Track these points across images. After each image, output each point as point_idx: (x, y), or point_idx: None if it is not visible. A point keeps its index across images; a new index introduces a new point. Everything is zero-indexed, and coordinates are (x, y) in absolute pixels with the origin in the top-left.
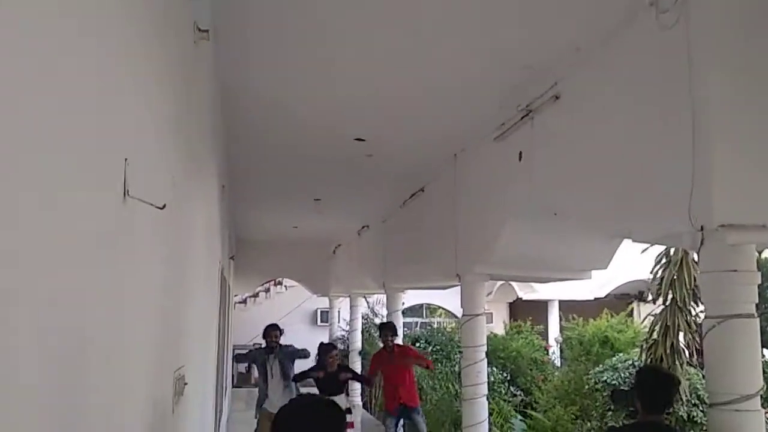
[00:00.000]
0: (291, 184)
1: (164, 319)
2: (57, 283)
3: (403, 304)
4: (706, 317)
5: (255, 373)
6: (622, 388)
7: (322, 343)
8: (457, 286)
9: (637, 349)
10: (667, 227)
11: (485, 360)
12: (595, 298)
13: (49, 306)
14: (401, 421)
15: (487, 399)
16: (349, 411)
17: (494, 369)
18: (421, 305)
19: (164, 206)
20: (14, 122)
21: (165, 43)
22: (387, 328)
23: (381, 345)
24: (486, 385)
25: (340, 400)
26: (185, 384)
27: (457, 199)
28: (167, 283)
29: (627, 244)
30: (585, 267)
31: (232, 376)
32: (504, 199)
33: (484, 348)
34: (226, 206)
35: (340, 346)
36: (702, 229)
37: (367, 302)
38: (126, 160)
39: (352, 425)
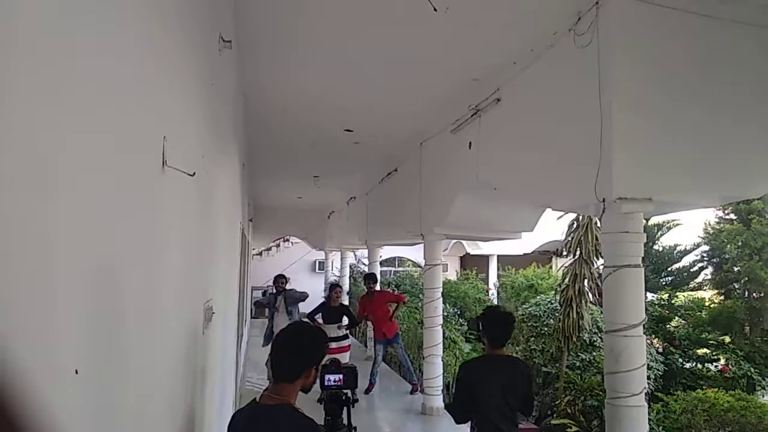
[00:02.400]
0: (296, 164)
1: (196, 262)
2: (113, 233)
3: (381, 256)
4: (604, 267)
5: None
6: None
7: (331, 282)
8: (420, 243)
9: (553, 292)
10: (579, 199)
11: (440, 299)
12: (524, 254)
13: (106, 247)
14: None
15: (442, 327)
16: (346, 336)
17: (447, 306)
18: (395, 258)
19: (194, 174)
20: (85, 115)
21: (196, 49)
22: (369, 278)
23: (365, 290)
24: (441, 317)
25: (336, 329)
26: (213, 313)
27: (421, 178)
28: (198, 235)
29: (548, 212)
30: (516, 229)
31: (251, 309)
32: (457, 178)
33: (440, 290)
34: (245, 179)
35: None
36: (604, 201)
37: (355, 255)
38: (165, 137)
39: (348, 348)
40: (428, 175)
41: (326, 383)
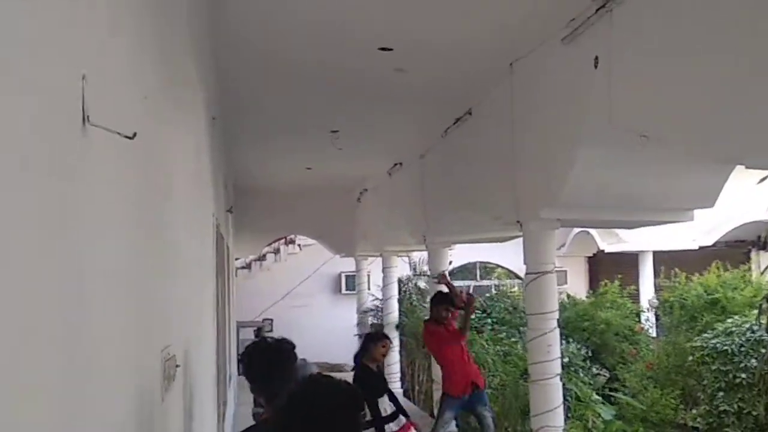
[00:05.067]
0: (301, 114)
1: (142, 284)
2: None
3: (451, 263)
4: None
5: None
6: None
7: (373, 332)
8: (518, 237)
9: (756, 311)
10: None
11: (557, 330)
12: (700, 247)
13: None
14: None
15: (562, 379)
16: (404, 413)
17: (571, 343)
18: (474, 264)
19: (134, 135)
20: None
21: None
22: (441, 301)
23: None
24: (559, 362)
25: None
26: (177, 366)
27: (515, 124)
28: (144, 239)
29: (739, 173)
30: (685, 205)
31: (239, 360)
32: (577, 121)
33: (556, 314)
34: (218, 144)
35: (371, 320)
36: None
37: (410, 261)
38: (84, 76)
39: (413, 426)
40: (526, 119)
41: None
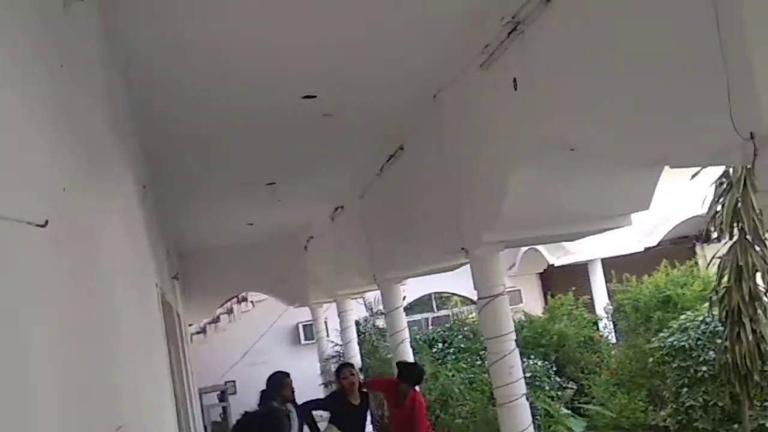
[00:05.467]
0: (235, 172)
1: (82, 368)
2: None
3: (404, 298)
4: None
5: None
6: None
7: (340, 364)
8: (467, 263)
9: (707, 304)
10: (709, 142)
11: (516, 351)
12: (647, 249)
13: None
14: None
15: (529, 398)
16: None
17: (532, 360)
18: (429, 296)
19: (47, 223)
20: None
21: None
22: (405, 372)
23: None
24: (523, 383)
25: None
26: None
27: (448, 153)
28: (78, 324)
29: (671, 174)
30: (622, 211)
31: (204, 427)
32: (505, 143)
33: (513, 335)
34: (154, 214)
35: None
36: (752, 137)
37: (365, 302)
38: None
39: None
40: (457, 147)
41: None
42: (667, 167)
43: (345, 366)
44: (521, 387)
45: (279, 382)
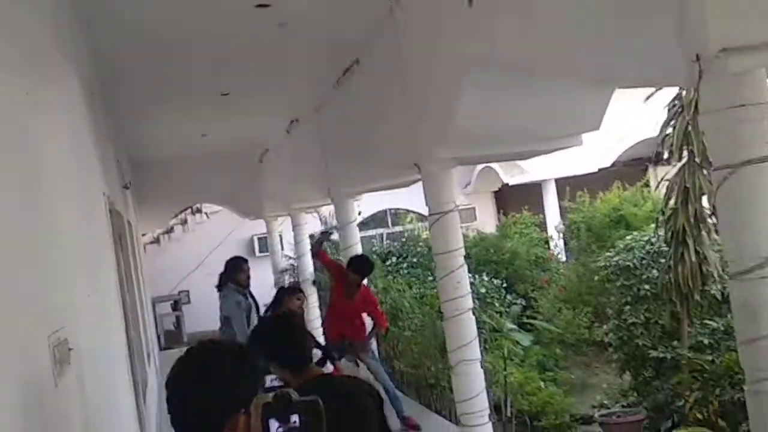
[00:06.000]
0: (188, 80)
1: (14, 276)
2: None
3: (359, 213)
4: (713, 170)
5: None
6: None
7: (281, 287)
8: (420, 180)
9: (654, 225)
10: (656, 62)
11: (464, 266)
12: (600, 170)
13: None
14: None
15: (475, 313)
16: (331, 358)
17: (483, 277)
18: (385, 211)
19: None
20: None
21: None
22: (358, 266)
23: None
24: (470, 297)
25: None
26: (70, 349)
27: (403, 67)
28: (15, 229)
29: (626, 95)
30: (573, 131)
31: (158, 336)
32: (458, 59)
33: (462, 251)
34: (103, 120)
35: (288, 279)
36: (698, 58)
37: (319, 216)
38: None
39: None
40: (412, 62)
41: None
42: (621, 89)
43: (299, 290)
44: (468, 301)
45: (236, 266)
